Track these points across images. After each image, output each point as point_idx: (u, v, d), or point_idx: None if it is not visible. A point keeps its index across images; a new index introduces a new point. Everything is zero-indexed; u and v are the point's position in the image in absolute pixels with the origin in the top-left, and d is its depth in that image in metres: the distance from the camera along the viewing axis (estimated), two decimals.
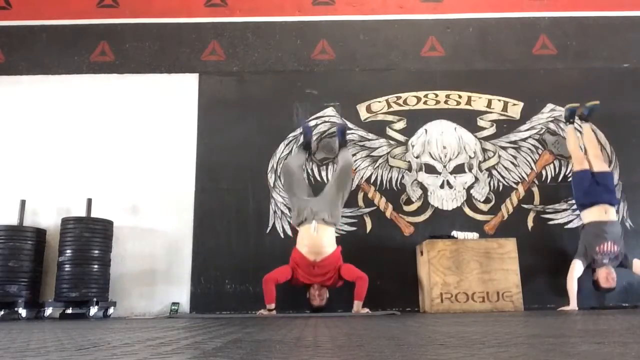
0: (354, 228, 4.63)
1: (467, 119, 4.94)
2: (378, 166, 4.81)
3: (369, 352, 1.15)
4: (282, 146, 4.85)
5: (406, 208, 4.70)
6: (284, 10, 5.27)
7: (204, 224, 4.67)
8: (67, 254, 4.14)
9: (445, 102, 4.99)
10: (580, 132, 4.72)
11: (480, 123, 4.93)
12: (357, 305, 3.99)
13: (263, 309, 4.03)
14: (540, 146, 4.87)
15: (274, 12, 5.26)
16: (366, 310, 4.00)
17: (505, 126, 4.93)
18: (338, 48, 5.16)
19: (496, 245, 4.16)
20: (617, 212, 4.47)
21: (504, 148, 4.87)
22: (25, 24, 5.19)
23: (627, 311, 3.57)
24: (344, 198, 4.45)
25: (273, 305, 4.00)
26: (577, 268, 4.17)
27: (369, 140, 4.88)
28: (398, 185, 4.77)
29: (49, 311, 4.05)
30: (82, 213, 4.42)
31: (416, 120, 4.93)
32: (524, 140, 4.90)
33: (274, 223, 4.67)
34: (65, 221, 4.28)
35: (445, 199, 4.73)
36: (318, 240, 4.10)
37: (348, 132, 4.85)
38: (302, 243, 4.17)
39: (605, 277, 4.09)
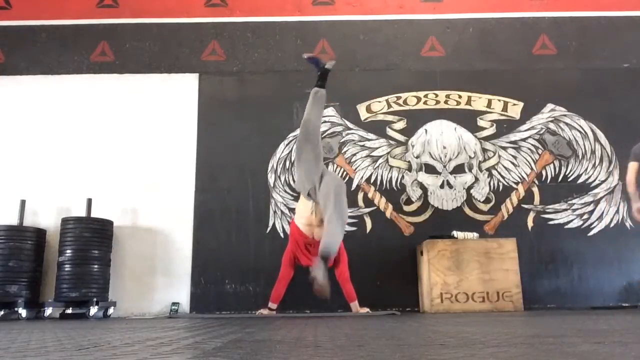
0: (354, 228, 4.63)
1: (467, 119, 4.94)
2: (378, 166, 4.81)
3: (369, 352, 1.15)
4: (282, 146, 4.85)
5: (406, 208, 4.70)
6: (284, 10, 5.27)
7: (204, 224, 4.67)
8: (67, 254, 4.14)
9: (445, 102, 4.99)
10: None
11: (480, 123, 4.93)
12: (355, 306, 3.97)
13: (263, 309, 4.02)
14: (540, 146, 4.87)
15: (274, 12, 5.26)
16: (366, 310, 3.99)
17: (505, 126, 4.93)
18: (338, 48, 5.16)
19: (496, 245, 4.16)
20: None
21: (504, 148, 4.87)
22: (25, 24, 5.19)
23: (627, 311, 3.57)
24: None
25: (275, 305, 3.98)
26: (634, 170, 4.10)
27: (369, 140, 4.88)
28: (398, 185, 4.77)
29: (49, 311, 4.05)
30: (82, 213, 4.42)
31: (416, 120, 4.94)
32: (524, 140, 4.89)
33: (274, 223, 4.67)
34: (65, 221, 4.28)
35: (445, 199, 4.73)
36: (316, 220, 3.93)
37: (347, 132, 4.84)
38: (300, 216, 4.01)
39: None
